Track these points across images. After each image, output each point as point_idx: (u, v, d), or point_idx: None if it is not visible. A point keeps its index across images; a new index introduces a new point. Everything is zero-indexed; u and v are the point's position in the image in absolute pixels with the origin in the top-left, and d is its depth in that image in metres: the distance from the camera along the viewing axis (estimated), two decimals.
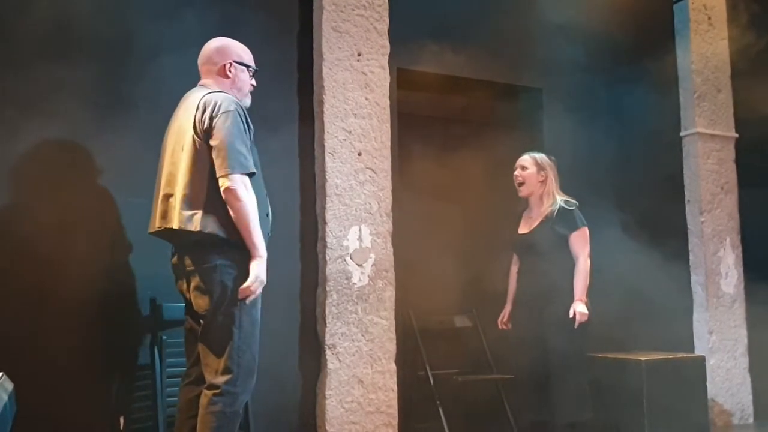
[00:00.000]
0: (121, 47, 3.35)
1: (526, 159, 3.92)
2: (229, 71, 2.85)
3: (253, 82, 2.96)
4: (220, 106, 2.65)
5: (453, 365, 4.22)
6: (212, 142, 2.62)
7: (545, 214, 3.83)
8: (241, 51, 2.92)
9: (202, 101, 2.68)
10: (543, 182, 3.86)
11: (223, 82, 2.84)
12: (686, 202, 5.04)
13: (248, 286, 2.63)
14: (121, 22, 3.36)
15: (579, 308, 3.66)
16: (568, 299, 3.69)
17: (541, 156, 3.91)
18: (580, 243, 3.76)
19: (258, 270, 2.64)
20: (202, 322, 2.70)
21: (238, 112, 2.67)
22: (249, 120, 2.73)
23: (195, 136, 2.65)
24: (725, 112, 5.12)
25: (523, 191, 3.89)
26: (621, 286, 4.27)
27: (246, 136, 2.67)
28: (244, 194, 2.59)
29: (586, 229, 3.80)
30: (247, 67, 2.91)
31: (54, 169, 3.20)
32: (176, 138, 2.73)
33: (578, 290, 3.70)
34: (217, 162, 2.61)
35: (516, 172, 3.92)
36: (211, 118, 2.63)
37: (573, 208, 3.82)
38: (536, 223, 3.85)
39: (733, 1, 5.22)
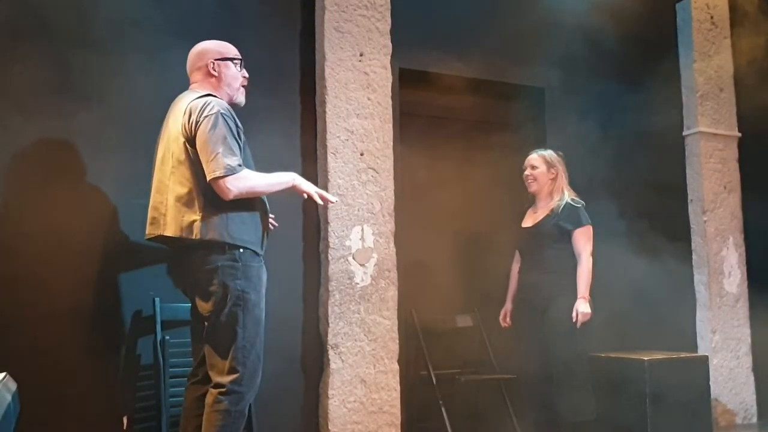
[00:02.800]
0: (121, 45, 3.35)
1: (535, 158, 3.91)
2: (214, 70, 2.84)
3: (245, 73, 2.93)
4: (203, 110, 2.63)
5: (455, 365, 4.21)
6: (198, 147, 2.61)
7: (551, 208, 3.83)
8: (220, 47, 2.88)
9: (189, 107, 2.67)
10: (554, 179, 3.88)
11: (211, 83, 2.83)
12: (689, 201, 5.03)
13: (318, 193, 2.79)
14: (121, 20, 3.36)
15: (581, 308, 3.65)
16: (570, 298, 3.69)
17: (549, 153, 3.92)
18: (583, 240, 3.76)
19: (301, 182, 2.80)
20: (206, 323, 2.70)
21: (222, 114, 2.63)
22: (237, 119, 2.70)
23: (186, 143, 2.64)
24: (728, 111, 5.10)
25: (533, 186, 3.90)
26: (624, 286, 4.27)
27: (233, 137, 2.63)
28: (243, 187, 2.60)
29: (590, 228, 3.80)
30: (232, 60, 2.88)
31: (54, 169, 3.20)
32: (166, 145, 2.73)
33: (581, 289, 3.69)
34: (204, 167, 2.60)
35: (526, 172, 3.92)
36: (196, 123, 2.61)
37: (579, 206, 3.82)
38: (541, 217, 3.86)
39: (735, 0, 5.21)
